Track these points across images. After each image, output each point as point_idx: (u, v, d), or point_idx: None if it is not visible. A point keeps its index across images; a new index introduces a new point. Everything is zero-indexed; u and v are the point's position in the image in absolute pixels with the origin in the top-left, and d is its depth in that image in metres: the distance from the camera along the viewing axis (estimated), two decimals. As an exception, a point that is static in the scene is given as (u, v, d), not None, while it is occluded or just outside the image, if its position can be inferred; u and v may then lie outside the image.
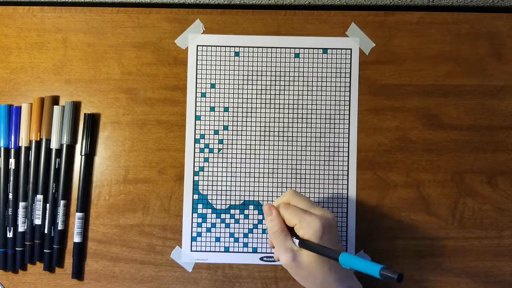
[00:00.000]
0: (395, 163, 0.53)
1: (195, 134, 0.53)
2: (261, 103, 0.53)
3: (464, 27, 0.54)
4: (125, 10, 0.54)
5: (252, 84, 0.53)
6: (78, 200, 0.52)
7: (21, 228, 0.52)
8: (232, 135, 0.53)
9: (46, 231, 0.52)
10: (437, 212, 0.53)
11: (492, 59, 0.53)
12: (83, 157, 0.52)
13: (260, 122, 0.53)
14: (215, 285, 0.52)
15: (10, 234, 0.52)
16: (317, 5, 0.56)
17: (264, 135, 0.53)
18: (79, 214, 0.52)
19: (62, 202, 0.52)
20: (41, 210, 0.52)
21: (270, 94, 0.53)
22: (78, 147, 0.53)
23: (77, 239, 0.52)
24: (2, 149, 0.52)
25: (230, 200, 0.53)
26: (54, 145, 0.52)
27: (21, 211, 0.52)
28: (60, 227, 0.52)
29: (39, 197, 0.52)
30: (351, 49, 0.54)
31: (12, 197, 0.52)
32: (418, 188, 0.53)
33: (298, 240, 0.44)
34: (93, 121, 0.53)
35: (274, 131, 0.53)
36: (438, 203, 0.53)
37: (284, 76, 0.53)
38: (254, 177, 0.53)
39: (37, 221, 0.52)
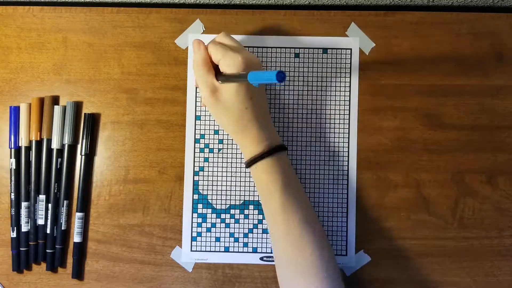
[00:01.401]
0: (395, 163, 0.53)
1: (195, 134, 0.53)
2: (261, 103, 0.53)
3: (464, 27, 0.54)
4: (125, 10, 0.54)
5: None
6: (78, 200, 0.52)
7: (24, 228, 0.52)
8: (232, 135, 0.53)
9: (48, 231, 0.52)
10: (437, 212, 0.53)
11: (492, 59, 0.53)
12: (83, 157, 0.52)
13: (260, 122, 0.53)
14: (215, 285, 0.52)
15: (13, 234, 0.52)
16: (317, 5, 0.56)
17: (264, 135, 0.53)
18: (79, 214, 0.52)
19: (65, 202, 0.52)
20: (43, 210, 0.52)
21: (270, 94, 0.53)
22: (79, 147, 0.53)
23: (77, 239, 0.52)
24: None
25: (230, 200, 0.53)
26: (55, 145, 0.52)
27: (24, 211, 0.52)
28: (63, 227, 0.52)
29: (42, 197, 0.52)
30: (351, 49, 0.54)
31: (14, 197, 0.52)
32: (418, 188, 0.53)
33: (219, 76, 0.45)
34: (93, 121, 0.53)
35: (274, 131, 0.53)
36: (438, 203, 0.53)
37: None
38: (254, 177, 0.53)
39: (40, 221, 0.52)
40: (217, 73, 0.46)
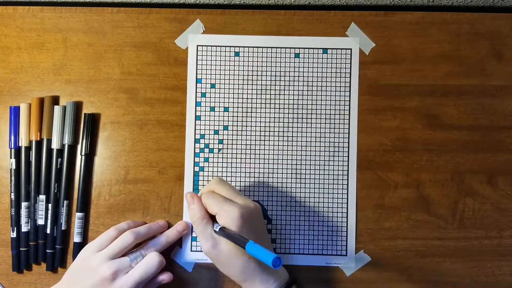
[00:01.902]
0: (395, 163, 0.53)
1: (195, 134, 0.53)
2: (261, 103, 0.53)
3: (464, 27, 0.54)
4: (125, 10, 0.54)
5: (252, 84, 0.53)
6: (78, 200, 0.52)
7: (24, 228, 0.52)
8: (232, 135, 0.53)
9: (48, 231, 0.52)
10: (437, 212, 0.53)
11: (492, 59, 0.53)
12: (83, 157, 0.52)
13: (260, 122, 0.53)
14: (215, 285, 0.52)
15: (13, 234, 0.52)
16: (317, 5, 0.56)
17: (264, 135, 0.53)
18: (79, 214, 0.52)
19: (65, 202, 0.52)
20: (43, 210, 0.52)
21: (270, 94, 0.53)
22: (79, 147, 0.53)
23: (77, 239, 0.52)
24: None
25: (230, 200, 0.53)
26: (55, 145, 0.52)
27: (24, 211, 0.52)
28: (63, 227, 0.52)
29: (42, 197, 0.52)
30: (351, 49, 0.54)
31: (14, 197, 0.52)
32: (418, 188, 0.53)
33: (218, 229, 0.45)
34: (93, 121, 0.53)
35: (274, 131, 0.53)
36: (438, 203, 0.53)
37: (284, 76, 0.53)
38: (254, 177, 0.53)
39: (40, 221, 0.52)
40: (215, 221, 0.46)
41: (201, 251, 0.53)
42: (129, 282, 0.46)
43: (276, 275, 0.46)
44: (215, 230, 0.45)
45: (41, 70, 0.54)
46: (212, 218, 0.46)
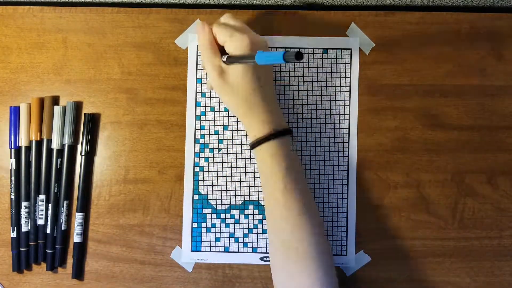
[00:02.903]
0: (395, 163, 0.53)
1: (195, 134, 0.53)
2: (261, 103, 0.53)
3: (464, 27, 0.54)
4: (125, 10, 0.54)
5: (252, 84, 0.53)
6: (78, 200, 0.52)
7: (24, 228, 0.52)
8: (232, 135, 0.53)
9: (48, 231, 0.52)
10: (437, 212, 0.53)
11: (492, 59, 0.53)
12: (83, 157, 0.52)
13: (260, 122, 0.53)
14: (215, 285, 0.52)
15: (13, 234, 0.52)
16: (317, 5, 0.56)
17: (264, 135, 0.53)
18: (79, 214, 0.52)
19: (65, 202, 0.52)
20: (43, 210, 0.52)
21: (270, 94, 0.53)
22: (79, 147, 0.53)
23: (77, 239, 0.52)
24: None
25: (230, 200, 0.53)
26: (55, 145, 0.52)
27: (24, 211, 0.52)
28: (63, 227, 0.52)
29: (42, 197, 0.52)
30: (351, 49, 0.54)
31: (14, 197, 0.52)
32: (418, 188, 0.53)
33: (226, 58, 0.45)
34: (93, 121, 0.53)
35: (274, 131, 0.53)
36: (438, 203, 0.53)
37: (284, 76, 0.53)
38: (254, 177, 0.53)
39: (40, 221, 0.52)
40: (223, 54, 0.46)
41: (201, 251, 0.53)
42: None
43: (275, 117, 0.46)
44: (223, 61, 0.45)
45: (41, 70, 0.54)
46: (221, 52, 0.46)
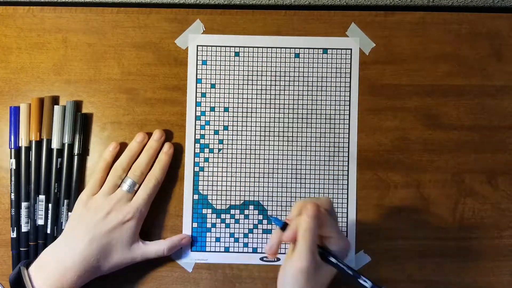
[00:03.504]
0: (395, 163, 0.53)
1: (195, 134, 0.53)
2: (261, 103, 0.53)
3: (464, 27, 0.54)
4: (125, 10, 0.54)
5: (252, 84, 0.53)
6: (71, 200, 0.52)
7: (24, 228, 0.52)
8: (232, 135, 0.53)
9: (48, 231, 0.52)
10: (437, 212, 0.53)
11: (492, 59, 0.53)
12: (75, 156, 0.52)
13: (260, 122, 0.53)
14: (215, 285, 0.52)
15: (13, 234, 0.52)
16: (317, 5, 0.56)
17: (264, 135, 0.53)
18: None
19: (65, 202, 0.52)
20: (43, 210, 0.52)
21: (270, 94, 0.53)
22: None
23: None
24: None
25: (230, 200, 0.53)
26: (55, 145, 0.52)
27: (24, 211, 0.52)
28: (64, 226, 0.52)
29: (42, 197, 0.52)
30: (351, 49, 0.54)
31: (14, 197, 0.52)
32: (418, 188, 0.53)
33: (327, 254, 0.42)
34: (86, 121, 0.53)
35: (274, 131, 0.53)
36: (438, 203, 0.53)
37: (284, 76, 0.53)
38: (254, 177, 0.53)
39: (40, 221, 0.52)
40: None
41: (201, 251, 0.53)
42: (139, 204, 0.48)
43: None
44: (320, 252, 0.42)
45: (41, 70, 0.54)
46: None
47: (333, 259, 0.42)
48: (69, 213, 0.51)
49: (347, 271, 0.42)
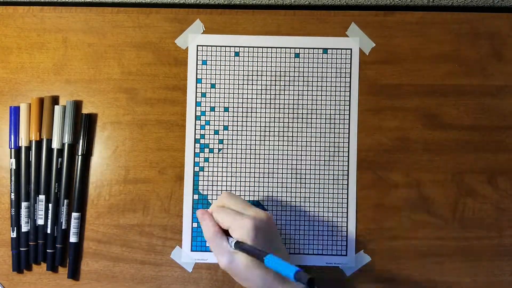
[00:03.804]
0: (395, 163, 0.53)
1: (195, 134, 0.53)
2: (261, 103, 0.53)
3: (464, 27, 0.54)
4: (125, 10, 0.54)
5: (252, 84, 0.53)
6: (74, 200, 0.52)
7: (24, 228, 0.52)
8: (232, 135, 0.53)
9: (49, 231, 0.52)
10: (437, 212, 0.53)
11: (492, 59, 0.53)
12: (79, 157, 0.52)
13: (260, 122, 0.53)
14: (215, 285, 0.52)
15: (13, 234, 0.52)
16: (317, 5, 0.56)
17: (264, 135, 0.53)
18: (75, 214, 0.52)
19: (65, 201, 0.52)
20: (43, 210, 0.52)
21: (270, 94, 0.53)
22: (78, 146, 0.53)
23: (73, 239, 0.52)
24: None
25: (230, 200, 0.53)
26: (55, 145, 0.52)
27: (24, 211, 0.52)
28: (64, 226, 0.52)
29: (41, 197, 0.52)
30: (351, 49, 0.54)
31: (14, 197, 0.52)
32: (418, 188, 0.53)
33: (234, 244, 0.44)
34: (89, 122, 0.53)
35: (274, 131, 0.53)
36: (438, 203, 0.53)
37: (284, 76, 0.53)
38: (254, 177, 0.53)
39: (40, 221, 0.52)
40: (228, 235, 0.45)
41: (201, 251, 0.53)
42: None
43: (293, 284, 0.44)
44: (230, 245, 0.44)
45: (41, 70, 0.54)
46: (226, 233, 0.46)
47: (238, 244, 0.43)
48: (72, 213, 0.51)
49: (255, 255, 0.42)
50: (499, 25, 0.54)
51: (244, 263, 0.43)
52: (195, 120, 0.53)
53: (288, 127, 0.53)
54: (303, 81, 0.53)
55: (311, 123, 0.53)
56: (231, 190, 0.53)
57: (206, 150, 0.53)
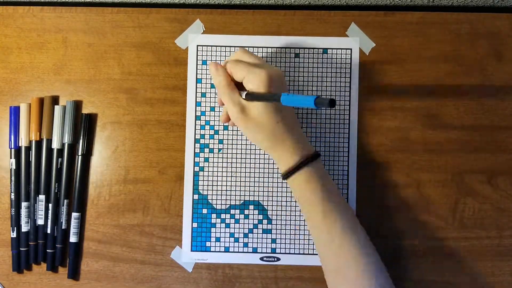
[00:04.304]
0: (395, 163, 0.53)
1: (195, 134, 0.53)
2: (261, 103, 0.53)
3: (464, 27, 0.54)
4: (125, 10, 0.54)
5: (252, 84, 0.53)
6: (74, 200, 0.52)
7: (24, 228, 0.52)
8: (232, 135, 0.53)
9: (49, 231, 0.52)
10: (437, 212, 0.53)
11: (492, 59, 0.53)
12: (79, 157, 0.52)
13: (260, 122, 0.53)
14: (215, 285, 0.52)
15: (13, 234, 0.52)
16: (317, 5, 0.56)
17: (264, 135, 0.53)
18: (75, 214, 0.52)
19: (65, 201, 0.52)
20: (43, 210, 0.52)
21: (270, 94, 0.53)
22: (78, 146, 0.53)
23: (73, 239, 0.52)
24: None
25: (230, 200, 0.53)
26: (55, 145, 0.52)
27: (24, 211, 0.52)
28: (64, 226, 0.52)
29: (41, 197, 0.52)
30: (351, 49, 0.54)
31: (14, 197, 0.52)
32: (418, 188, 0.53)
33: (245, 94, 0.45)
34: (90, 122, 0.53)
35: (274, 131, 0.53)
36: (438, 203, 0.53)
37: (284, 76, 0.53)
38: (254, 177, 0.53)
39: (40, 221, 0.52)
40: (240, 90, 0.46)
41: (201, 251, 0.53)
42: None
43: (303, 144, 0.46)
44: (242, 97, 0.45)
45: (41, 70, 0.54)
46: (238, 87, 0.46)
47: (250, 95, 0.44)
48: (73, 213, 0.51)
49: (269, 98, 0.43)
50: (499, 25, 0.54)
51: (256, 112, 0.44)
52: (195, 120, 0.53)
53: (288, 127, 0.53)
54: (303, 81, 0.53)
55: (311, 123, 0.53)
56: (231, 190, 0.53)
57: (206, 150, 0.53)
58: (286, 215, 0.53)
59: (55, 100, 0.53)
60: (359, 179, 0.53)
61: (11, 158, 0.52)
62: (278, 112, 0.44)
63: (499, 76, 0.53)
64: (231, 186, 0.53)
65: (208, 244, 0.53)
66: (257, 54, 0.53)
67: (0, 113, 0.53)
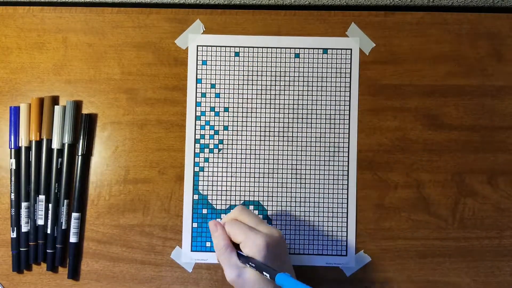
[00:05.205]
0: (395, 163, 0.53)
1: (195, 134, 0.53)
2: (261, 103, 0.53)
3: (464, 27, 0.54)
4: (125, 10, 0.54)
5: (252, 84, 0.53)
6: (74, 200, 0.52)
7: (24, 228, 0.52)
8: (232, 135, 0.53)
9: (49, 231, 0.52)
10: (437, 212, 0.53)
11: (492, 59, 0.53)
12: (79, 157, 0.52)
13: (260, 122, 0.53)
14: (215, 285, 0.52)
15: (13, 234, 0.52)
16: (317, 5, 0.56)
17: (264, 135, 0.53)
18: (75, 215, 0.52)
19: (65, 202, 0.52)
20: (43, 210, 0.52)
21: (270, 94, 0.53)
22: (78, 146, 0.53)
23: (73, 239, 0.52)
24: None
25: (230, 200, 0.53)
26: (55, 145, 0.52)
27: (24, 211, 0.52)
28: (64, 226, 0.52)
29: (41, 197, 0.52)
30: (351, 49, 0.54)
31: (14, 197, 0.52)
32: (418, 188, 0.53)
33: (242, 259, 0.44)
34: (90, 122, 0.53)
35: (274, 131, 0.53)
36: (438, 203, 0.53)
37: (284, 76, 0.53)
38: (254, 177, 0.53)
39: (40, 221, 0.52)
40: (238, 249, 0.45)
41: (201, 251, 0.53)
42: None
43: None
44: (240, 260, 0.44)
45: (41, 70, 0.54)
46: (236, 247, 0.45)
47: (247, 260, 0.43)
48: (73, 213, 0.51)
49: (265, 271, 0.42)
50: (499, 25, 0.54)
51: (253, 279, 0.43)
52: (195, 120, 0.53)
53: (288, 127, 0.53)
54: (303, 81, 0.53)
55: (311, 123, 0.53)
56: (231, 190, 0.53)
57: (206, 150, 0.53)
58: (286, 215, 0.53)
59: (55, 100, 0.53)
60: (359, 179, 0.53)
61: (11, 158, 0.52)
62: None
63: (499, 76, 0.53)
64: (231, 186, 0.53)
65: (208, 244, 0.53)
66: (257, 55, 0.53)
67: (0, 113, 0.53)
